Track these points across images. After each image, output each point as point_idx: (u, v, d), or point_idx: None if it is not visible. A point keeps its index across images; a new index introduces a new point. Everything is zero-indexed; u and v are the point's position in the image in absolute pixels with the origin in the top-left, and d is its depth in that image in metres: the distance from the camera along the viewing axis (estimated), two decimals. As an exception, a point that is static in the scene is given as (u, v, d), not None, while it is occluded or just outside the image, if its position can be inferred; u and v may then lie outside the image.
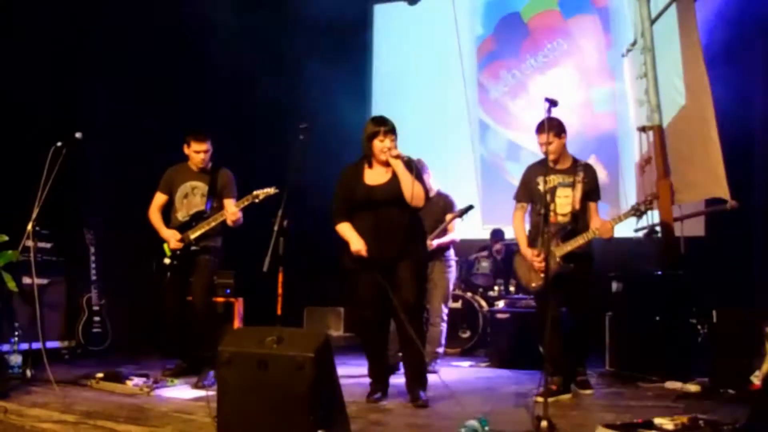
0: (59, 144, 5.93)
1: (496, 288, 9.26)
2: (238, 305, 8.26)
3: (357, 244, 5.16)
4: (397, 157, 5.17)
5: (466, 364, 7.83)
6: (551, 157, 5.58)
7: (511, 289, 9.15)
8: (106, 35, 8.84)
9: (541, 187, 5.65)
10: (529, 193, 5.92)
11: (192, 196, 6.56)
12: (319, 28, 10.25)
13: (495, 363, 7.74)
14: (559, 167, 5.78)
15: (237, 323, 8.16)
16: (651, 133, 7.40)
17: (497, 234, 9.50)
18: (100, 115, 8.66)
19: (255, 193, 6.17)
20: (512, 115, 10.54)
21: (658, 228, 7.21)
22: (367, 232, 5.21)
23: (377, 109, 10.96)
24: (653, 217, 7.26)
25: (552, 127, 5.46)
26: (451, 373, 7.15)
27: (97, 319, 7.65)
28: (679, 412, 4.64)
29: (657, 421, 4.19)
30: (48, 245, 7.53)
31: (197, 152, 6.48)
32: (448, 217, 7.01)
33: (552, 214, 5.61)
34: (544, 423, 4.04)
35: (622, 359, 6.83)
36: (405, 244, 5.20)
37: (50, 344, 7.16)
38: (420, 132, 9.94)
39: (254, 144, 10.11)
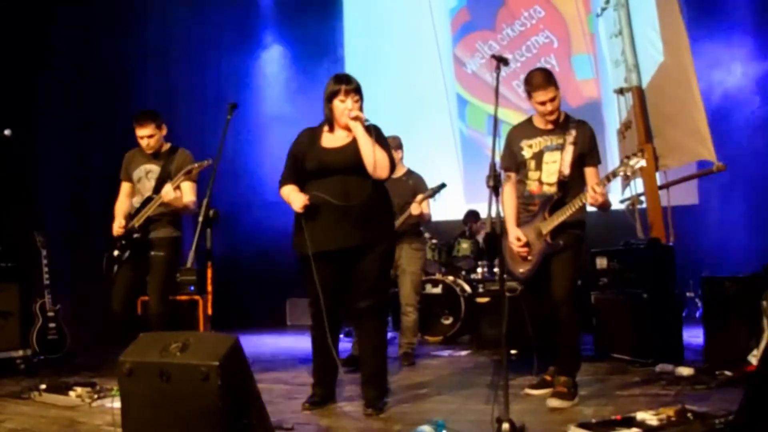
0: None
1: (479, 270, 8.72)
2: (204, 304, 7.79)
3: (298, 200, 4.46)
4: (356, 118, 4.48)
5: (445, 353, 7.32)
6: (554, 116, 4.80)
7: (496, 270, 8.63)
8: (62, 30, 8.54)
9: (525, 153, 4.90)
10: (513, 159, 5.01)
11: (146, 181, 5.94)
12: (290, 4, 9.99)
13: (476, 351, 7.25)
14: (547, 127, 4.89)
15: (202, 324, 7.69)
16: (629, 95, 6.90)
17: (471, 215, 9.03)
18: (51, 111, 8.25)
19: (187, 167, 5.62)
20: (491, 88, 10.03)
21: (642, 198, 6.70)
22: (324, 213, 4.50)
23: None
24: (636, 186, 6.77)
25: (551, 77, 4.73)
26: (427, 364, 6.65)
27: (52, 325, 7.22)
28: (668, 402, 4.26)
29: (639, 416, 3.75)
30: None
31: (141, 137, 5.92)
32: (419, 197, 6.44)
33: (537, 183, 4.87)
34: (505, 426, 3.52)
35: (610, 342, 6.32)
36: (368, 227, 4.47)
37: (2, 354, 6.81)
38: (395, 110, 9.68)
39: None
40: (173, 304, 7.33)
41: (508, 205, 5.01)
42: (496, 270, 8.55)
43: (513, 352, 6.67)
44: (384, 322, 4.76)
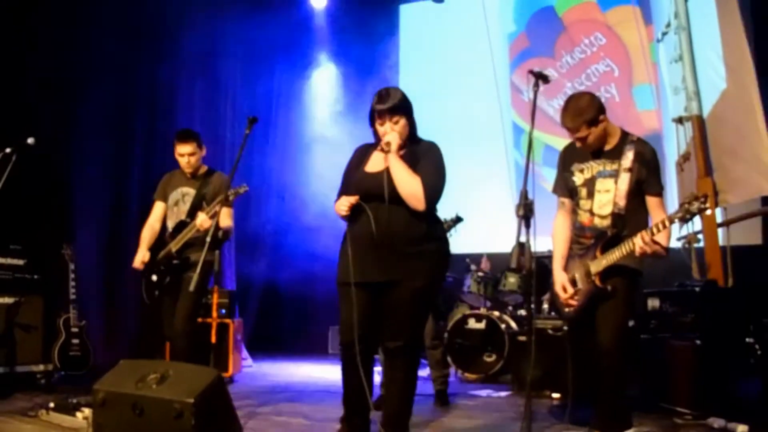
0: (8, 150, 5.40)
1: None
2: (235, 327, 7.54)
3: (343, 202, 4.05)
4: (386, 146, 4.04)
5: (484, 393, 6.90)
6: (591, 149, 4.33)
7: (545, 306, 8.18)
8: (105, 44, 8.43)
9: (576, 179, 4.41)
10: (565, 183, 4.50)
11: (182, 204, 5.83)
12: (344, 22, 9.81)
13: (517, 392, 6.83)
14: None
15: (232, 348, 7.43)
16: (689, 124, 6.45)
17: (522, 248, 8.56)
18: (89, 124, 8.15)
19: (222, 196, 5.38)
20: (548, 117, 9.72)
21: (700, 236, 6.24)
22: (359, 239, 4.07)
23: None
24: (694, 224, 6.31)
25: (580, 113, 4.21)
26: (462, 406, 6.23)
27: (75, 341, 7.01)
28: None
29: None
30: (21, 262, 6.89)
31: (181, 155, 5.78)
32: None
33: (588, 214, 4.35)
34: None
35: (657, 389, 5.80)
36: (396, 262, 3.99)
37: (23, 368, 6.64)
38: (448, 136, 9.08)
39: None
40: (202, 326, 7.23)
41: (557, 239, 4.56)
42: (545, 306, 8.12)
43: (555, 396, 6.29)
44: (414, 363, 4.20)
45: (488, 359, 7.91)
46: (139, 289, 5.90)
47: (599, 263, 4.23)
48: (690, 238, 6.26)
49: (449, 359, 7.90)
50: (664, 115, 8.79)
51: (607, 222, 4.27)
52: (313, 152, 10.68)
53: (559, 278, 4.45)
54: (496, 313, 8.13)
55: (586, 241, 4.39)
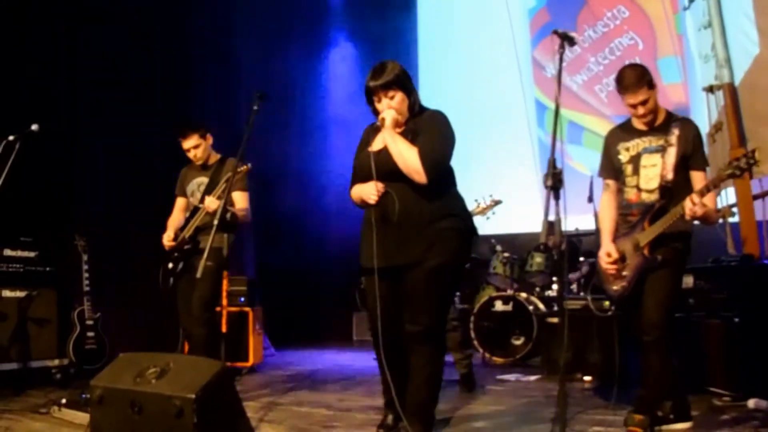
0: (11, 138, 5.25)
1: (554, 287, 8.04)
2: (254, 315, 7.36)
3: (369, 189, 3.90)
4: (381, 124, 3.90)
5: (512, 378, 6.68)
6: (648, 119, 4.31)
7: (573, 287, 7.93)
8: (117, 28, 8.23)
9: (622, 157, 4.41)
10: (611, 165, 4.52)
11: (197, 193, 5.76)
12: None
13: (547, 376, 6.60)
14: (646, 128, 4.38)
15: (252, 337, 7.25)
16: (720, 93, 6.18)
17: (551, 227, 8.31)
18: (103, 112, 8.00)
19: (226, 176, 5.31)
20: (572, 93, 9.47)
21: (735, 209, 5.98)
22: (367, 222, 3.96)
23: (424, 91, 10.21)
24: (728, 196, 6.06)
25: (643, 75, 4.21)
26: (490, 391, 6.01)
27: (91, 334, 6.85)
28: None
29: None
30: (32, 254, 6.75)
31: (187, 150, 5.76)
32: None
33: (635, 190, 4.35)
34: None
35: (695, 371, 5.49)
36: (418, 240, 3.82)
37: (38, 363, 6.52)
38: (469, 115, 9.26)
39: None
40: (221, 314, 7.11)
41: (603, 217, 4.53)
42: (573, 287, 7.88)
43: (587, 379, 6.07)
44: (438, 350, 4.01)
45: (516, 342, 7.70)
46: (158, 279, 5.75)
47: (648, 234, 4.20)
48: (724, 212, 5.97)
49: (476, 343, 7.72)
50: (691, 87, 8.53)
51: (654, 196, 4.27)
52: (332, 134, 10.49)
53: (605, 246, 4.40)
54: (523, 295, 7.93)
55: (633, 218, 4.36)
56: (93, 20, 7.98)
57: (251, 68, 9.70)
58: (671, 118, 4.36)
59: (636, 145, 4.38)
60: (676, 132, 4.24)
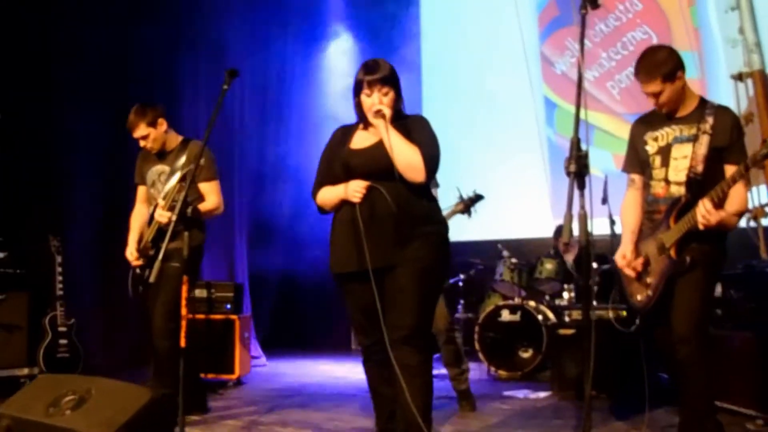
0: None
1: (565, 295, 7.54)
2: (241, 323, 6.88)
3: (354, 186, 3.59)
4: (378, 114, 3.59)
5: (520, 394, 6.17)
6: (665, 110, 3.92)
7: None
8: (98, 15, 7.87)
9: (649, 148, 4.00)
10: (637, 157, 4.11)
11: (159, 184, 5.18)
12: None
13: (558, 392, 6.07)
14: (677, 114, 3.96)
15: (238, 347, 6.75)
16: (750, 81, 5.74)
17: (561, 231, 7.85)
18: (81, 104, 7.64)
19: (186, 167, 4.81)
20: (582, 89, 8.98)
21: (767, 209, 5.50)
22: (347, 223, 3.61)
23: (427, 89, 10.05)
24: (759, 195, 5.61)
25: (657, 66, 3.79)
26: (495, 410, 5.48)
27: (63, 341, 6.44)
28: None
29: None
30: (2, 255, 6.44)
31: (137, 140, 5.21)
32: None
33: (662, 184, 3.93)
34: None
35: (723, 386, 5.01)
36: (400, 241, 3.53)
37: (5, 372, 6.24)
38: (475, 113, 9.13)
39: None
40: (208, 323, 6.82)
41: (627, 215, 4.13)
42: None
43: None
44: (426, 357, 3.61)
45: (524, 355, 7.23)
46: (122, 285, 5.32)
47: (674, 233, 3.79)
48: (756, 212, 5.50)
49: (481, 355, 7.24)
50: (710, 83, 8.09)
51: (684, 189, 3.85)
52: (330, 131, 10.01)
53: (623, 248, 4.04)
54: (532, 304, 7.48)
55: (659, 216, 3.93)
56: (71, 17, 7.64)
57: (244, 63, 9.23)
58: (705, 105, 3.92)
59: (665, 134, 3.97)
60: (710, 120, 3.82)
